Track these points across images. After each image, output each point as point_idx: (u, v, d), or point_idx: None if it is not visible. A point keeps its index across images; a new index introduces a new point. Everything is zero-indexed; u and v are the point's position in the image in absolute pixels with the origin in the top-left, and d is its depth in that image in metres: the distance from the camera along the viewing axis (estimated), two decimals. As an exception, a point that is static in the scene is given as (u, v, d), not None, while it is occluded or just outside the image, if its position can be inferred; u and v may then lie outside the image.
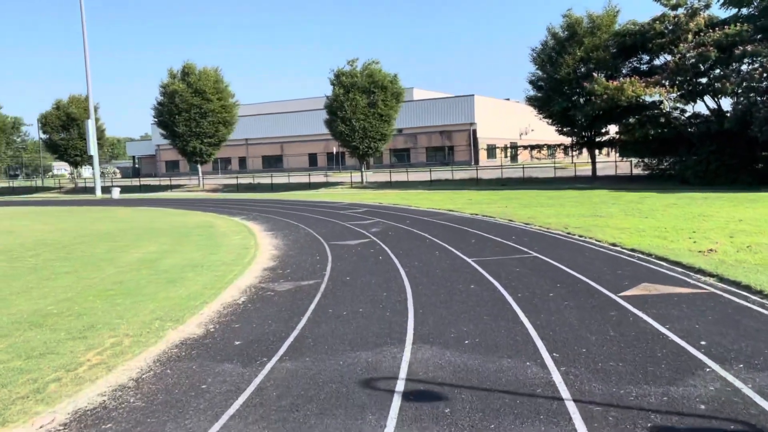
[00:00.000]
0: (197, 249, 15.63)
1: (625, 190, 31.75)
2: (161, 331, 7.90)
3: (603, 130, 42.33)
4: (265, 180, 56.36)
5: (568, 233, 15.77)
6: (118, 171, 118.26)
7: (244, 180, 59.41)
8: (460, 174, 50.35)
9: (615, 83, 36.38)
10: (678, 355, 6.25)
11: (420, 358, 6.47)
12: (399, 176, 51.89)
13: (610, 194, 29.43)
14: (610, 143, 43.60)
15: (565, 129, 42.39)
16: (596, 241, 14.23)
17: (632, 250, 12.64)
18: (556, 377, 5.77)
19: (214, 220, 24.55)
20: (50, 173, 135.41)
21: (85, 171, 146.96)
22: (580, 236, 15.10)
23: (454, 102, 74.42)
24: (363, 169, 50.76)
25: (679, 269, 10.55)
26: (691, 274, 10.14)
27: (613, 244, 13.50)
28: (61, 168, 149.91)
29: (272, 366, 6.44)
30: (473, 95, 72.85)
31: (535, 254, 12.71)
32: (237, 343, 7.38)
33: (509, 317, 7.94)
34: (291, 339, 7.39)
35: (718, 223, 16.39)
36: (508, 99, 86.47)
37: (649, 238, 13.90)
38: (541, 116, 43.01)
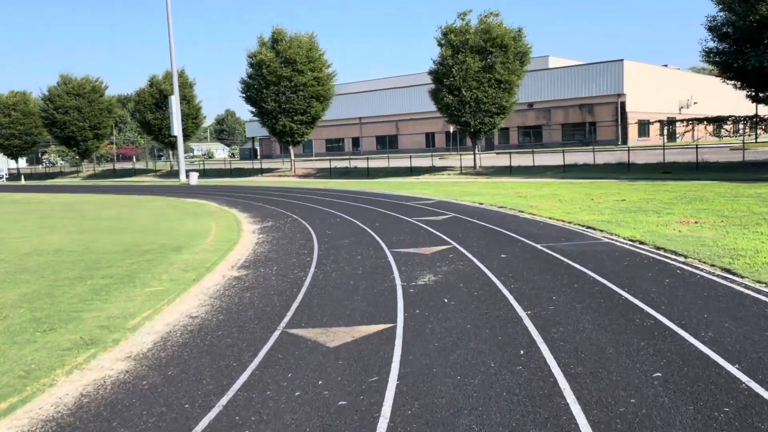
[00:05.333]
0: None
1: None
2: None
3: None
4: (362, 164, 47.71)
5: None
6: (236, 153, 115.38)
7: (341, 164, 51.16)
8: (604, 156, 38.47)
9: None
10: None
11: None
12: (523, 159, 40.81)
13: None
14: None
15: (762, 94, 30.04)
16: None
17: None
18: None
19: (209, 234, 15.94)
20: (189, 153, 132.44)
21: (219, 152, 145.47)
22: None
23: (597, 69, 61.41)
24: (476, 151, 40.38)
25: None
26: None
27: None
28: (196, 149, 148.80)
29: None
30: (622, 60, 59.57)
31: None
32: None
33: None
34: None
35: None
36: (665, 65, 71.79)
37: None
38: (725, 77, 30.78)
